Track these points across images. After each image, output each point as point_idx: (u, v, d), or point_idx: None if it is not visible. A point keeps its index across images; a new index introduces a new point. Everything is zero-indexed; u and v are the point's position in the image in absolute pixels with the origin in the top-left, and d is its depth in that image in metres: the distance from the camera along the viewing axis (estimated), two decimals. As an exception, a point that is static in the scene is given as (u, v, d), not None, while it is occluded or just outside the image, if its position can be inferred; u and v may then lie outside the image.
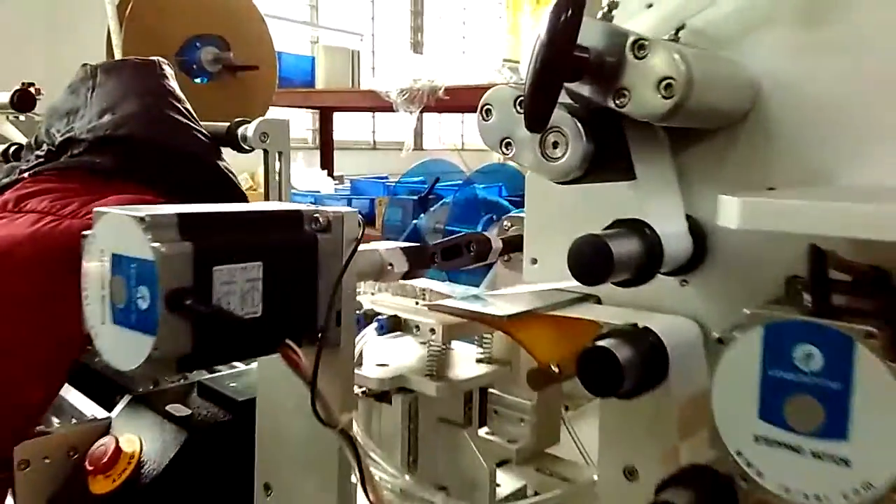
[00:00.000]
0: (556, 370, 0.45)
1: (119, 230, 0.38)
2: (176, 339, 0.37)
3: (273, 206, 0.44)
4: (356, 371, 0.56)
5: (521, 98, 0.43)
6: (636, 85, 0.39)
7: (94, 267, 0.40)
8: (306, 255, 0.43)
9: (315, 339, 0.43)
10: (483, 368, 0.58)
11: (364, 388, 0.58)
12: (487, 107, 0.45)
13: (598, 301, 0.52)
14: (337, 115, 3.32)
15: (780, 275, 0.45)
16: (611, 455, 0.53)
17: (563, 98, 0.42)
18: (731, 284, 0.47)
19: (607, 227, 0.45)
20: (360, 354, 0.57)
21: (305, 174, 2.65)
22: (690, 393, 0.46)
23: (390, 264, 0.52)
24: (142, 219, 0.37)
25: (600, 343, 0.41)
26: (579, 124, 0.41)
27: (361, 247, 0.53)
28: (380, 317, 0.54)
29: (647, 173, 0.44)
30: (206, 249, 0.38)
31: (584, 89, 0.42)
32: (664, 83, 0.38)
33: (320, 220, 0.44)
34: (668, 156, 0.46)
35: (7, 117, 1.39)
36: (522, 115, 0.42)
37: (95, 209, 0.40)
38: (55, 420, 0.83)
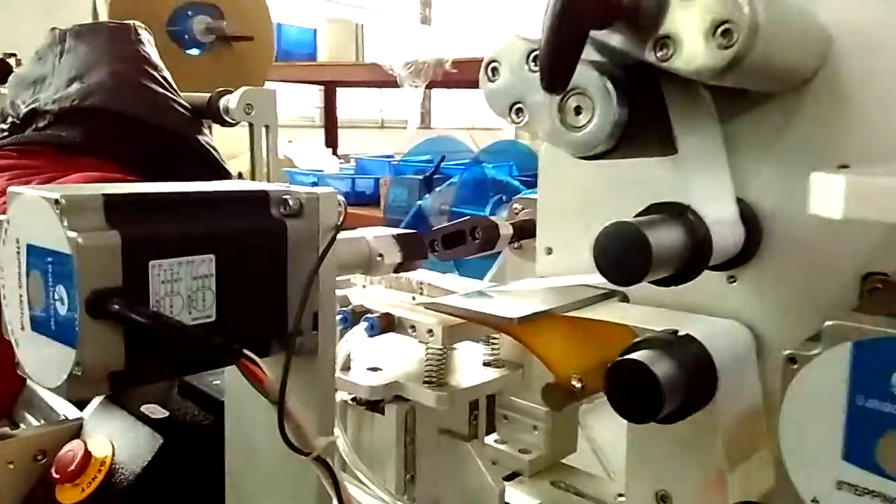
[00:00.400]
0: (578, 385, 0.37)
1: (34, 215, 0.31)
2: (103, 353, 0.30)
3: (233, 185, 0.37)
4: (343, 377, 0.48)
5: (536, 52, 0.35)
6: (684, 31, 0.31)
7: (11, 260, 0.32)
8: (273, 245, 0.36)
9: (288, 347, 0.36)
10: (491, 373, 0.50)
11: (354, 396, 0.50)
12: (494, 64, 0.37)
13: (626, 299, 0.44)
14: (344, 94, 3.22)
15: (851, 270, 0.37)
16: (640, 477, 0.46)
17: (589, 54, 0.34)
18: (790, 282, 0.39)
19: (641, 213, 0.37)
20: (349, 357, 0.49)
21: (309, 153, 2.57)
22: (740, 412, 0.38)
23: (380, 255, 0.44)
24: (56, 201, 0.29)
25: (634, 356, 0.34)
26: (609, 84, 0.33)
27: (346, 234, 0.45)
28: (369, 315, 0.46)
29: (692, 146, 0.36)
30: (139, 240, 0.30)
31: (615, 39, 0.33)
32: (721, 29, 0.30)
33: (290, 202, 0.36)
34: (716, 124, 0.38)
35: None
36: (537, 74, 0.34)
37: (9, 189, 0.32)
38: (29, 416, 0.77)
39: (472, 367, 0.51)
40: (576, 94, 0.34)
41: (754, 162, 0.39)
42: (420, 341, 0.47)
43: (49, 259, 0.30)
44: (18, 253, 0.32)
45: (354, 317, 0.48)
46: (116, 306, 0.29)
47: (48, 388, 0.31)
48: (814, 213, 0.24)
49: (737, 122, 0.39)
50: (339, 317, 0.47)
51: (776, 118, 0.38)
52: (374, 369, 0.49)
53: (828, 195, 0.23)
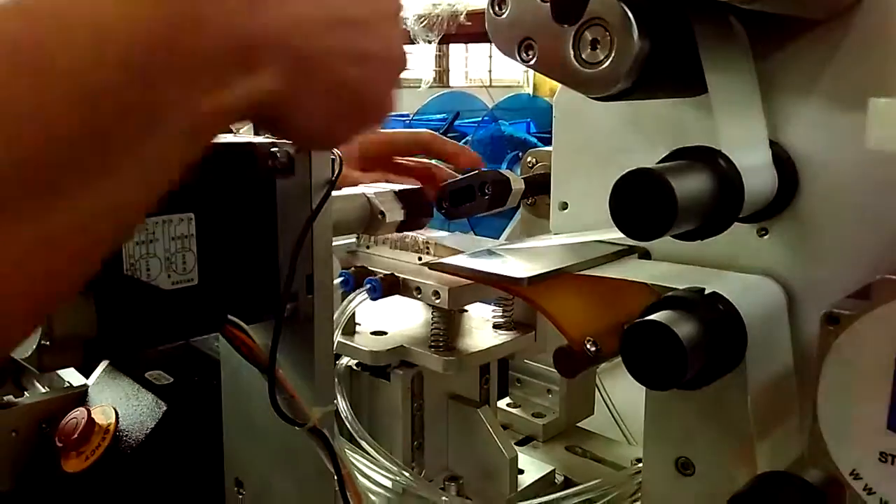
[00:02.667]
0: (593, 349, 0.34)
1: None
2: (72, 321, 0.27)
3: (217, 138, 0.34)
4: (346, 341, 0.46)
5: (548, -21, 0.31)
6: (714, -53, 0.27)
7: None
8: (260, 202, 0.33)
9: (278, 312, 0.33)
10: (502, 336, 0.48)
11: (358, 362, 0.48)
12: (501, -5, 0.33)
13: (647, 256, 0.41)
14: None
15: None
16: (659, 442, 0.43)
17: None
18: (828, 234, 0.35)
19: (665, 159, 0.33)
20: (353, 319, 0.46)
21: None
22: (771, 376, 0.35)
23: (381, 212, 0.41)
24: (15, 155, 0.26)
25: (653, 317, 0.30)
26: (629, 13, 0.29)
27: (346, 190, 0.43)
28: (372, 277, 0.44)
29: (722, 84, 0.32)
30: (108, 197, 0.27)
31: (635, -39, 0.29)
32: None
33: (279, 156, 0.33)
34: (749, 61, 0.34)
35: None
36: (549, 4, 0.30)
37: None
38: (36, 383, 0.76)
39: (481, 329, 0.48)
40: (592, 26, 0.31)
41: (791, 101, 0.35)
42: (426, 304, 0.45)
43: (12, 219, 0.27)
44: (-17, 214, 0.29)
45: (357, 279, 0.45)
46: (84, 270, 0.26)
47: (20, 360, 0.29)
48: (872, 146, 0.21)
49: (773, 57, 0.35)
50: (340, 279, 0.45)
51: (817, 51, 0.34)
52: (379, 333, 0.47)
53: (890, 124, 0.20)
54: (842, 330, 0.26)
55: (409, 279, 0.44)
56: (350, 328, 0.47)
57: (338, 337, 0.43)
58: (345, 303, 0.44)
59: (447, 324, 0.45)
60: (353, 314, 0.46)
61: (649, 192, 0.29)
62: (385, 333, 0.47)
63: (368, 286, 0.44)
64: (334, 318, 0.38)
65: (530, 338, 0.49)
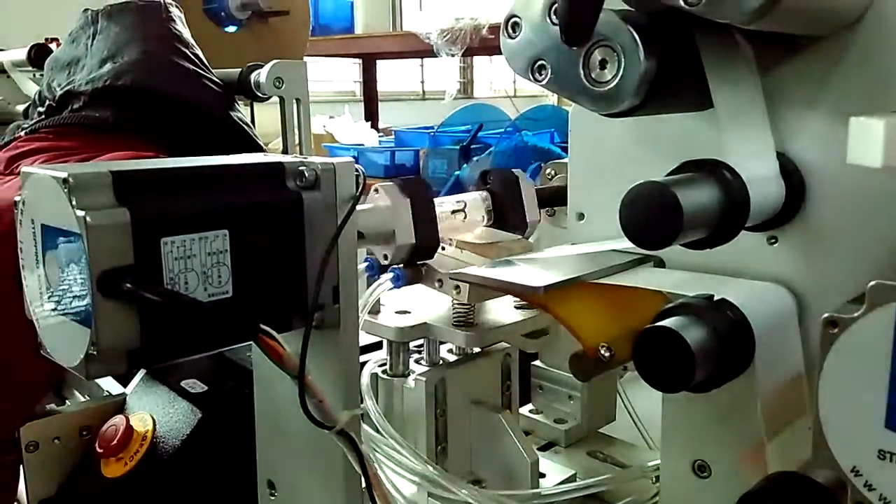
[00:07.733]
0: (607, 355, 0.36)
1: (46, 195, 0.30)
2: (118, 332, 0.29)
3: (247, 158, 0.36)
4: (372, 319, 0.47)
5: (557, 4, 0.33)
6: (713, -28, 0.29)
7: (28, 241, 0.33)
8: (289, 218, 0.35)
9: (307, 321, 0.35)
10: (523, 314, 0.49)
11: (384, 368, 0.50)
12: (514, 19, 0.35)
13: (661, 264, 0.42)
14: (385, 66, 3.19)
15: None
16: (676, 446, 0.44)
17: (613, 2, 0.32)
18: (835, 242, 0.36)
19: (673, 171, 0.34)
20: (378, 301, 0.48)
21: (350, 128, 2.56)
22: (781, 379, 0.36)
23: (403, 225, 0.43)
24: (64, 180, 0.29)
25: (664, 323, 0.32)
26: (636, 34, 0.31)
27: (369, 204, 0.45)
28: (396, 266, 0.45)
29: (728, 99, 0.34)
30: (149, 217, 0.30)
31: (640, -15, 0.31)
32: (753, -34, 0.28)
33: (306, 174, 0.35)
34: (754, 75, 0.35)
35: (34, 75, 1.35)
36: (559, 27, 0.32)
37: (22, 169, 0.32)
38: (76, 393, 0.79)
39: (502, 309, 0.49)
40: (600, 47, 0.32)
41: (797, 113, 0.36)
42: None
43: (61, 239, 0.30)
44: (34, 233, 0.32)
45: (380, 267, 0.47)
46: (129, 285, 0.29)
47: (68, 368, 0.31)
48: (852, 162, 0.22)
49: (778, 71, 0.37)
50: (365, 264, 0.46)
51: (821, 65, 0.35)
52: (403, 312, 0.48)
53: (867, 141, 0.21)
54: (840, 333, 0.27)
55: (432, 268, 0.45)
56: (375, 308, 0.48)
57: (364, 316, 0.45)
58: (370, 288, 0.46)
59: (469, 305, 0.46)
60: (378, 299, 0.47)
61: (656, 203, 0.31)
62: (409, 313, 0.48)
63: (391, 274, 0.45)
64: (360, 301, 0.40)
65: (551, 318, 0.49)
